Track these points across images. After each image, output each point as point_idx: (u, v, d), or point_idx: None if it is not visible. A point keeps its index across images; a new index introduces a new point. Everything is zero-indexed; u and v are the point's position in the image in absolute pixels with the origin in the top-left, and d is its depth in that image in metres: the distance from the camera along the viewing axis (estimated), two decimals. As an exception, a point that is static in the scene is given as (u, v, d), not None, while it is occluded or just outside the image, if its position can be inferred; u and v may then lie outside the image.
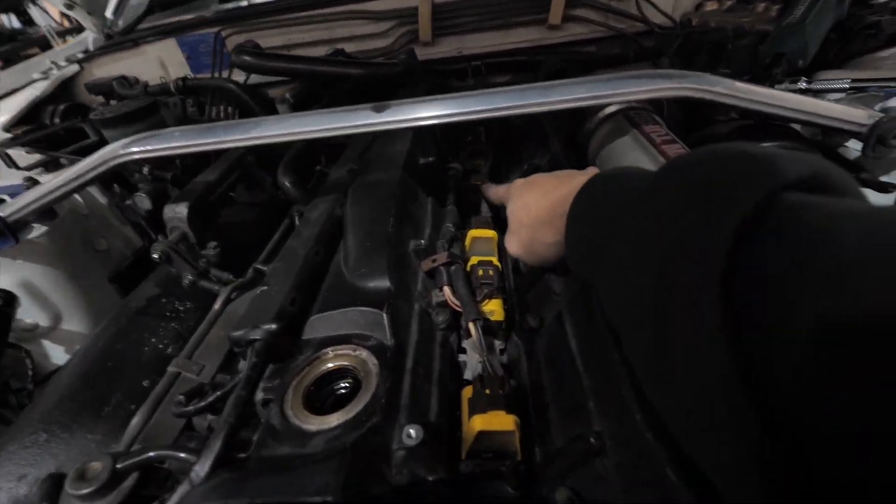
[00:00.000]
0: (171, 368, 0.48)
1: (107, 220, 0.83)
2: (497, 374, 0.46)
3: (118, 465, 0.36)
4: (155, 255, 0.61)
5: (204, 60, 1.12)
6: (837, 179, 0.23)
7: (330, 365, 0.40)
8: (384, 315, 0.43)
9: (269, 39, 1.15)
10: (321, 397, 0.40)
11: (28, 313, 0.68)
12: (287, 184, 0.75)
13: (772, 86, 0.76)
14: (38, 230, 0.68)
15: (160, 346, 0.58)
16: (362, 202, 0.59)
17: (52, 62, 1.10)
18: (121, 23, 1.24)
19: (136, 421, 0.44)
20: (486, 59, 1.23)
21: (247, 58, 0.86)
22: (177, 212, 0.64)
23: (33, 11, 1.69)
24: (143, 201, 0.85)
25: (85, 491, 0.34)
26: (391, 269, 0.48)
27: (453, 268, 0.54)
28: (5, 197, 0.69)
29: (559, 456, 0.39)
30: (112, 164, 0.57)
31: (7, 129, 0.93)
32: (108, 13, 1.19)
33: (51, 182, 0.59)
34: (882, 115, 0.59)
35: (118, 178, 0.95)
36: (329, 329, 0.44)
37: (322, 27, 1.16)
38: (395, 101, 0.54)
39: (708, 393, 0.20)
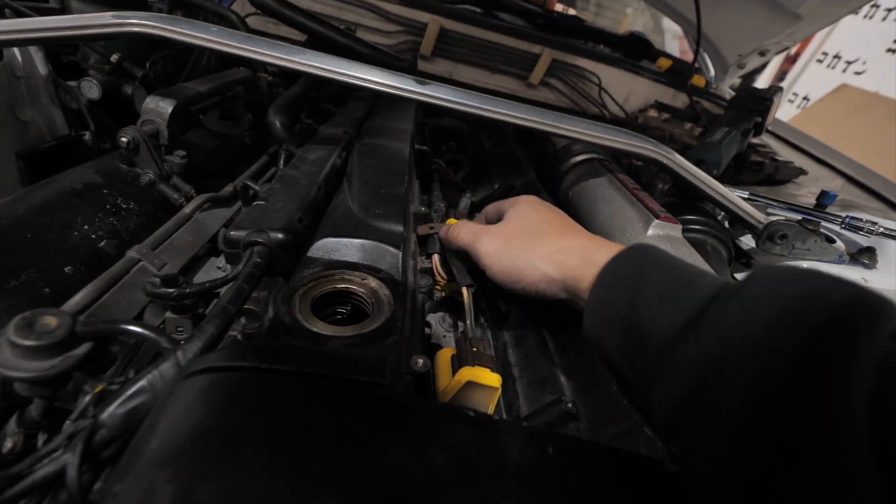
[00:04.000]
0: (131, 253, 0.40)
1: (37, 93, 0.68)
2: (480, 337, 0.47)
3: (77, 328, 0.29)
4: (124, 139, 0.52)
5: (199, -17, 1.02)
6: None
7: (342, 285, 0.38)
8: (399, 255, 0.42)
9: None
10: (320, 316, 0.37)
11: None
12: (277, 123, 0.70)
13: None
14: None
15: (93, 237, 0.48)
16: (376, 156, 0.58)
17: None
18: None
19: (80, 296, 0.36)
20: (470, 90, 1.30)
21: (265, -3, 0.81)
22: (160, 106, 0.56)
23: None
24: (90, 89, 0.73)
25: (32, 343, 0.27)
26: (406, 219, 0.47)
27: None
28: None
29: (534, 417, 0.41)
30: (124, 30, 0.48)
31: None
32: None
33: (28, 22, 0.48)
34: (773, 218, 0.76)
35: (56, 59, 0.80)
36: (339, 254, 0.41)
37: (334, 5, 1.14)
38: (431, 81, 0.55)
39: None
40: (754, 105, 1.25)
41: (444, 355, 0.44)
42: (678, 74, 1.58)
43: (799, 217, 0.87)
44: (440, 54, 1.27)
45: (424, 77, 1.26)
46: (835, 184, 1.42)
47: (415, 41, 1.24)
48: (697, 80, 1.67)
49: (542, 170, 0.93)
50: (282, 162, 0.64)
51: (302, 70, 0.54)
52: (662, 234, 0.55)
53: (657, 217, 0.56)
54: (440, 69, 1.29)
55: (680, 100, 1.57)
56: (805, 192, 1.24)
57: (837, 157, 1.57)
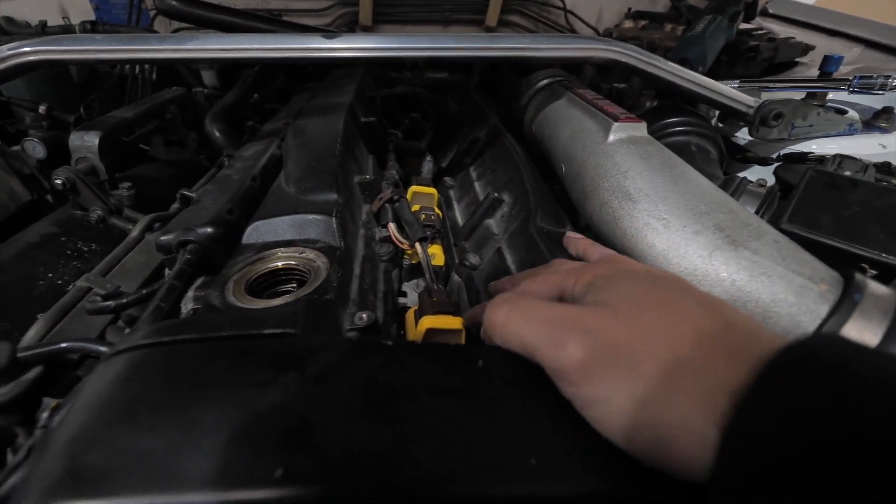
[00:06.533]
0: (80, 283, 0.44)
1: (-17, 165, 0.74)
2: (444, 289, 0.49)
3: (20, 354, 0.33)
4: (58, 181, 0.56)
5: (115, 12, 1.06)
6: None
7: (278, 264, 0.40)
8: (333, 219, 0.44)
9: None
10: (265, 296, 0.40)
11: None
12: (216, 132, 0.73)
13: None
14: None
15: (58, 282, 0.53)
16: (306, 133, 0.60)
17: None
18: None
19: (34, 330, 0.40)
20: (425, 51, 1.30)
21: (173, 2, 0.83)
22: (86, 140, 0.60)
23: None
24: (34, 148, 0.77)
25: (-23, 372, 0.31)
26: (339, 188, 0.49)
27: (398, 203, 0.57)
28: None
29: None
30: (22, 60, 0.52)
31: None
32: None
33: None
34: (764, 100, 0.73)
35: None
36: (273, 235, 0.44)
37: (257, -4, 1.17)
38: (346, 33, 0.57)
39: None
40: (742, -18, 1.19)
41: (410, 314, 0.46)
42: (652, -26, 1.52)
43: (802, 94, 0.83)
44: (383, 19, 1.28)
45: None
46: (851, 53, 1.34)
47: (353, 12, 1.25)
48: (677, -25, 1.60)
49: (508, 114, 0.93)
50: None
51: (212, 57, 0.56)
52: (625, 136, 0.55)
53: (616, 120, 0.55)
54: (387, 37, 1.29)
55: (661, 3, 1.51)
56: (816, 73, 1.18)
57: (855, 24, 1.47)
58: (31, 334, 0.40)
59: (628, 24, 1.33)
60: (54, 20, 1.05)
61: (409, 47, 0.58)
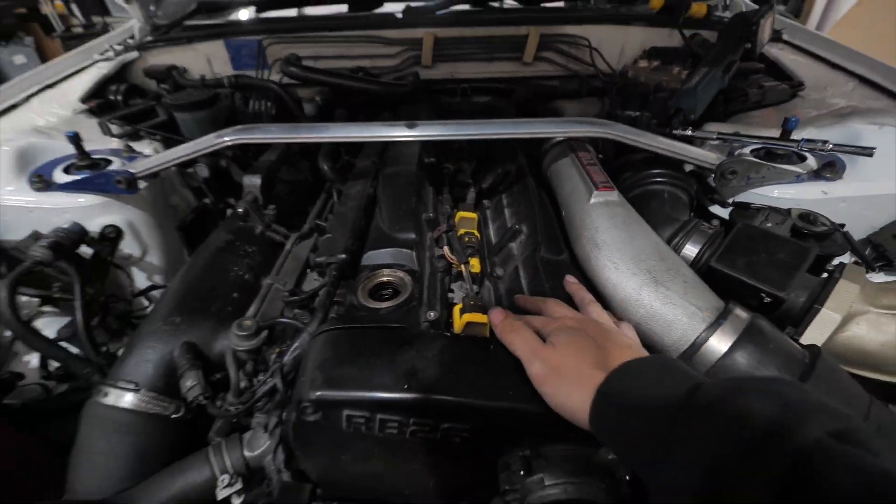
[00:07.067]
0: (266, 281, 0.72)
1: (173, 183, 1.03)
2: (477, 294, 0.73)
3: (260, 323, 0.60)
4: (240, 210, 0.83)
5: (244, 61, 1.33)
6: (860, 435, 0.28)
7: (384, 278, 0.66)
8: (413, 254, 0.69)
9: (300, 50, 1.36)
10: (375, 297, 0.65)
11: (125, 245, 0.89)
12: (326, 168, 0.99)
13: (671, 131, 1.08)
14: (141, 185, 0.88)
15: (240, 273, 0.81)
16: (392, 185, 0.84)
17: (110, 46, 1.27)
18: (160, 13, 1.42)
19: (252, 309, 0.67)
20: (472, 83, 1.50)
21: (294, 69, 1.08)
22: (252, 181, 0.87)
23: None
24: (202, 170, 1.06)
25: (244, 333, 0.58)
26: (415, 228, 0.74)
27: (450, 234, 0.81)
28: (112, 158, 0.89)
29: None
30: (222, 145, 0.79)
31: (83, 100, 1.10)
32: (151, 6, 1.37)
33: (172, 152, 0.80)
34: (724, 158, 0.91)
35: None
36: (378, 260, 0.69)
37: (343, 45, 1.40)
38: (421, 122, 0.80)
39: None
40: (742, 33, 1.31)
41: (456, 309, 0.71)
42: (673, 11, 1.63)
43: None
44: (440, 59, 1.48)
45: (429, 82, 1.47)
46: (847, 87, 1.42)
47: (416, 55, 1.46)
48: (698, 10, 1.68)
49: (538, 145, 1.13)
50: (335, 197, 0.93)
51: (326, 141, 0.81)
52: (601, 200, 0.76)
53: (597, 188, 0.76)
54: (442, 72, 1.49)
55: (677, 37, 1.61)
56: (808, 109, 1.29)
57: (857, 61, 1.53)
58: (251, 311, 0.67)
59: (643, 63, 1.46)
60: (201, 66, 1.33)
61: (463, 133, 0.81)
